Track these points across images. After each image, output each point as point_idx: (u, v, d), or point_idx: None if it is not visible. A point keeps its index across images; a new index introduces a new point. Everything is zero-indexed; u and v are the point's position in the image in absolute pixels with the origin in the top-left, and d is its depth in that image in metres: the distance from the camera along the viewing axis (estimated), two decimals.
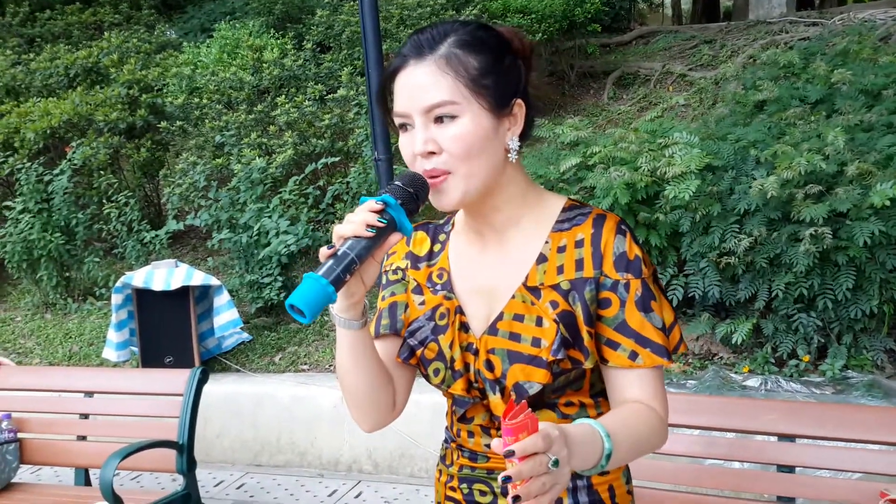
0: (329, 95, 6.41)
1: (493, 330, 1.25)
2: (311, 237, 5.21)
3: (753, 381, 3.80)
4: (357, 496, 3.93)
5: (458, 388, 1.27)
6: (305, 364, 4.76)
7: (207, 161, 6.13)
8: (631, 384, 1.23)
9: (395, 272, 1.39)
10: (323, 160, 5.44)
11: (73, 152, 6.20)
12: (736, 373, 3.88)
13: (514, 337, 1.23)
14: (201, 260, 6.21)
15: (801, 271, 3.64)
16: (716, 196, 4.00)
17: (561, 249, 1.26)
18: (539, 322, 1.23)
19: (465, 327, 1.28)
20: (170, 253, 5.75)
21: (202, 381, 3.00)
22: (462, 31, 1.21)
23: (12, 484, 3.21)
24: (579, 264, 1.24)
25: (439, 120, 1.18)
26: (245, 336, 5.02)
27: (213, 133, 6.38)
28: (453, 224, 1.39)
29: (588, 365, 1.22)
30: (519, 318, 1.24)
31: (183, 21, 10.15)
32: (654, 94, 7.01)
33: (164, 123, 6.62)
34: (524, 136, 1.27)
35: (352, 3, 7.31)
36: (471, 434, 1.33)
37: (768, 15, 8.67)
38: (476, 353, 1.26)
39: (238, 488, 4.11)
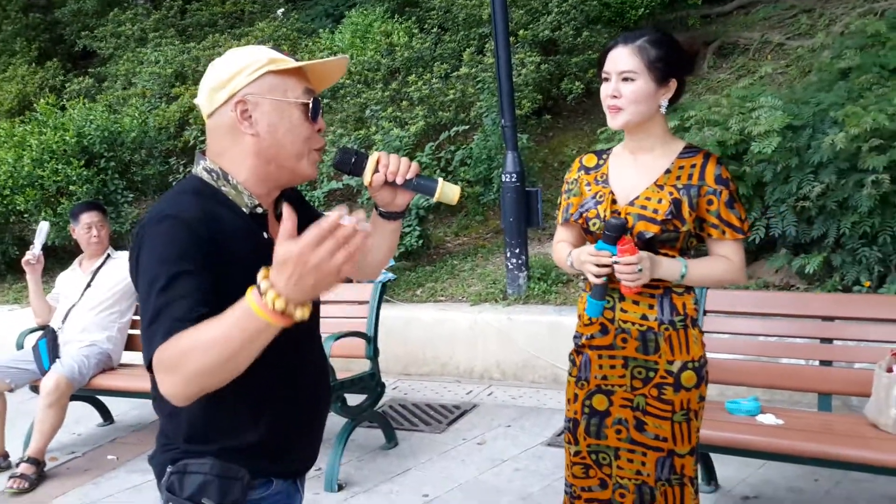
0: (453, 73, 7.35)
1: (631, 203, 2.18)
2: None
3: None
4: (489, 395, 4.89)
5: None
6: (442, 296, 5.74)
7: (351, 132, 7.19)
8: (719, 249, 2.20)
9: (571, 183, 2.34)
10: (455, 128, 6.38)
11: None
12: None
13: (643, 207, 2.16)
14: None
15: (864, 212, 4.32)
16: (794, 151, 4.70)
17: (681, 168, 2.19)
18: (659, 201, 2.15)
19: (614, 201, 2.20)
20: (326, 210, 6.84)
21: (383, 290, 4.00)
22: (652, 35, 2.13)
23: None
24: (691, 177, 2.17)
25: (625, 80, 2.10)
26: (391, 275, 6.04)
27: (354, 108, 7.44)
28: (609, 152, 2.32)
29: (683, 229, 2.14)
30: (648, 198, 2.17)
31: (307, 8, 11.26)
32: (752, 63, 7.52)
33: None
34: (675, 100, 2.20)
35: None
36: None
37: None
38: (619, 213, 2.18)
39: (393, 389, 5.13)
